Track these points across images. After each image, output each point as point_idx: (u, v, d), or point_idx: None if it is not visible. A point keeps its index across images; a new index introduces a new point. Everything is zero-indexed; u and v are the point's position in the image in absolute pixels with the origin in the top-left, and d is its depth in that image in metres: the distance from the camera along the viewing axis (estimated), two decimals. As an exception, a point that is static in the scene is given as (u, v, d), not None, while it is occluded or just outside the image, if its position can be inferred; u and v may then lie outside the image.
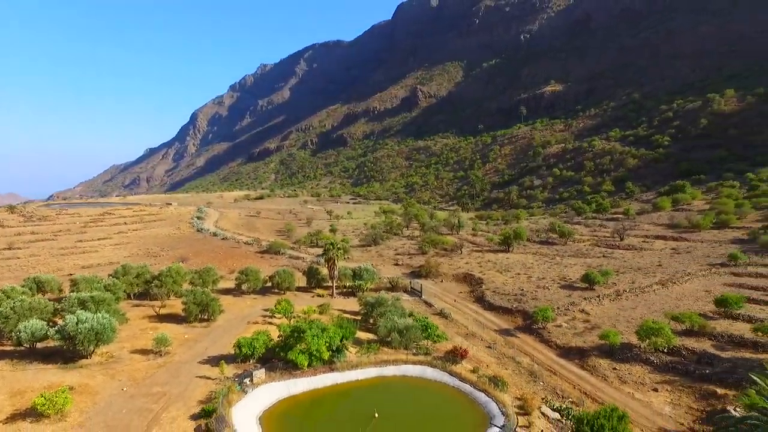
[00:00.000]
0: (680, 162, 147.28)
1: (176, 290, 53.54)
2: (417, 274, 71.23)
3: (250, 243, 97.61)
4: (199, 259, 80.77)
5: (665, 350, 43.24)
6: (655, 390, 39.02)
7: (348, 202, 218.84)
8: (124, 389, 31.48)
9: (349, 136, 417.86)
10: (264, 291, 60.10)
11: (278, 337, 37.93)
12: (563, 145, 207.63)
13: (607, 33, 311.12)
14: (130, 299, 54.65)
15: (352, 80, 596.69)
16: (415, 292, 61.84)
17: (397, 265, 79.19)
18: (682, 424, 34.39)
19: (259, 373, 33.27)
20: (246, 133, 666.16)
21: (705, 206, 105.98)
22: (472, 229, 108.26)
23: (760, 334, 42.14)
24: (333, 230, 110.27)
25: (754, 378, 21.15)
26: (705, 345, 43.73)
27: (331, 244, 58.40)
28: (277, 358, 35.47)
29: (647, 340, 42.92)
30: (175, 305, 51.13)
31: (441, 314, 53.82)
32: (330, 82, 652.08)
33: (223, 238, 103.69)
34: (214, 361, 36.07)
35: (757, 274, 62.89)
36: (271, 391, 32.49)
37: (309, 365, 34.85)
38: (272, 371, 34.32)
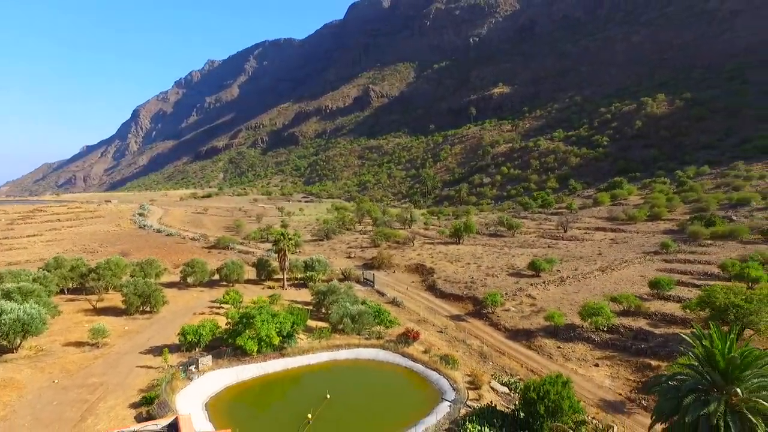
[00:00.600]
0: (618, 160, 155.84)
1: (115, 283, 50.55)
2: (370, 265, 71.13)
3: (197, 239, 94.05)
4: (142, 255, 76.81)
5: (605, 329, 45.60)
6: (596, 365, 41.06)
7: (300, 201, 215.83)
8: (56, 381, 29.33)
9: (300, 134, 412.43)
10: (211, 284, 57.97)
11: (226, 324, 36.67)
12: (511, 144, 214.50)
13: (550, 39, 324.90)
14: (64, 294, 51.11)
15: (304, 79, 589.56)
16: (367, 282, 61.69)
17: (349, 257, 78.78)
18: (621, 394, 36.34)
19: (206, 360, 31.99)
20: (193, 131, 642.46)
21: (640, 201, 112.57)
22: (424, 224, 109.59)
23: (688, 311, 45.03)
24: (284, 226, 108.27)
25: (684, 336, 22.54)
26: (640, 323, 46.44)
27: (282, 234, 57.22)
28: (226, 345, 34.25)
29: (589, 320, 45.01)
30: (115, 299, 48.31)
31: (393, 302, 54.00)
32: (281, 81, 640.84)
33: (167, 234, 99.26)
34: (157, 351, 34.33)
35: (685, 260, 67.22)
36: (218, 378, 31.32)
37: (259, 351, 33.91)
38: (220, 358, 33.10)
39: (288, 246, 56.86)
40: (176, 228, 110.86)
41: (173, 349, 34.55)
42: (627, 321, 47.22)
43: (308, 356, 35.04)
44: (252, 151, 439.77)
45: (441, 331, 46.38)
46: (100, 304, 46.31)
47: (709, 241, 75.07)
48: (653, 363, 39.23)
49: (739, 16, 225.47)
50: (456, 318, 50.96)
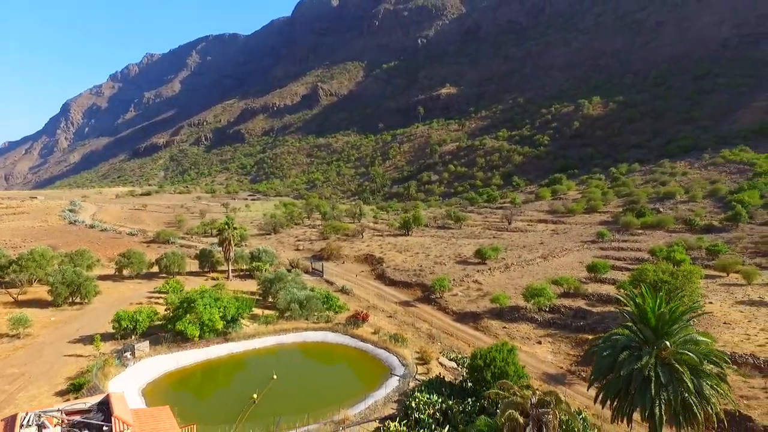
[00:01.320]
0: (558, 159, 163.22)
1: (41, 276, 46.67)
2: (318, 257, 70.15)
3: (134, 234, 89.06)
4: (72, 249, 71.68)
5: (547, 309, 47.50)
6: (539, 342, 42.66)
7: (246, 199, 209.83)
8: (-32, 374, 26.60)
9: (246, 132, 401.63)
10: (150, 276, 54.93)
11: (165, 310, 34.79)
12: (458, 143, 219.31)
13: (495, 42, 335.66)
14: (-20, 288, 46.64)
15: (249, 75, 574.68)
16: (316, 272, 60.78)
17: (298, 250, 77.40)
18: (562, 367, 37.95)
19: (143, 346, 30.15)
20: (130, 128, 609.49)
21: (578, 195, 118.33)
22: (374, 217, 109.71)
23: (622, 290, 47.64)
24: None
25: (619, 297, 23.70)
26: (579, 303, 48.76)
27: (227, 224, 55.25)
28: (165, 331, 32.46)
29: (532, 301, 46.68)
30: (40, 292, 44.66)
31: (342, 290, 53.47)
32: (225, 77, 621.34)
33: (102, 230, 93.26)
34: (88, 340, 31.98)
35: (619, 247, 71.35)
36: (157, 364, 29.61)
37: (201, 337, 32.41)
38: (159, 345, 31.32)
39: (233, 235, 54.97)
40: (112, 224, 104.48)
41: (106, 337, 32.36)
42: (567, 302, 49.45)
43: (254, 341, 33.92)
44: (195, 149, 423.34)
45: (390, 316, 46.43)
46: (22, 297, 42.65)
47: (639, 231, 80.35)
48: (591, 338, 41.17)
49: (664, 27, 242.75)
50: (405, 304, 51.23)
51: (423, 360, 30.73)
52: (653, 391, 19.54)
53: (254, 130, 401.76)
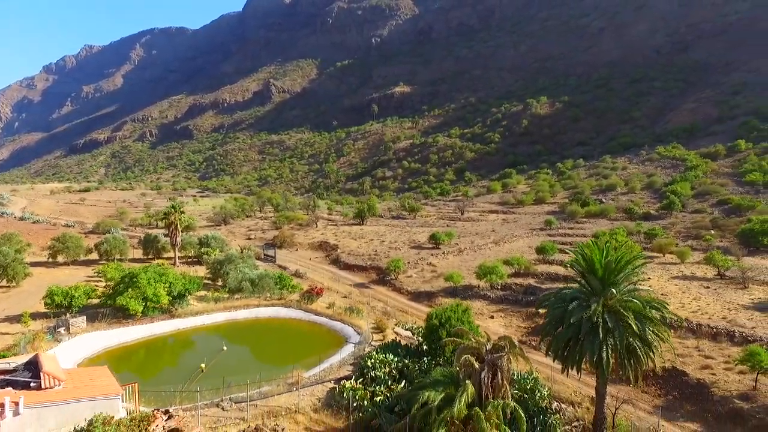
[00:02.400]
0: (508, 155, 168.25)
1: (-39, 261, 42.57)
2: (271, 244, 68.44)
3: (71, 225, 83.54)
4: None
5: (499, 287, 48.62)
6: (492, 317, 43.59)
7: (195, 195, 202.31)
8: None
9: (195, 128, 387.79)
10: (88, 263, 51.52)
11: (105, 287, 32.66)
12: (411, 141, 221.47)
13: (447, 44, 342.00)
14: None
15: (198, 70, 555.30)
16: (268, 258, 59.25)
17: (249, 239, 75.27)
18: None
19: (78, 322, 28.10)
20: (67, 123, 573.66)
21: (527, 189, 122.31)
22: (328, 208, 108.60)
23: (568, 267, 49.47)
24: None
25: (568, 252, 24.42)
26: (529, 281, 50.23)
27: (173, 207, 52.80)
28: (104, 307, 30.42)
29: (485, 279, 47.61)
30: (-40, 277, 40.77)
31: (296, 274, 52.32)
32: (172, 72, 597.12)
33: (34, 222, 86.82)
34: (15, 319, 29.46)
35: (565, 233, 74.21)
36: (95, 340, 27.68)
37: (144, 313, 30.62)
38: (97, 322, 29.31)
39: (179, 220, 52.60)
40: (45, 216, 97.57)
41: (37, 316, 29.94)
42: (518, 280, 50.84)
43: (202, 317, 32.46)
44: (139, 145, 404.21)
45: (345, 297, 45.83)
46: (-61, 282, 38.81)
47: (584, 219, 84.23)
48: (540, 311, 42.54)
49: (604, 33, 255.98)
50: (360, 285, 50.85)
51: (379, 329, 30.49)
52: (601, 336, 20.22)
53: (203, 127, 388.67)
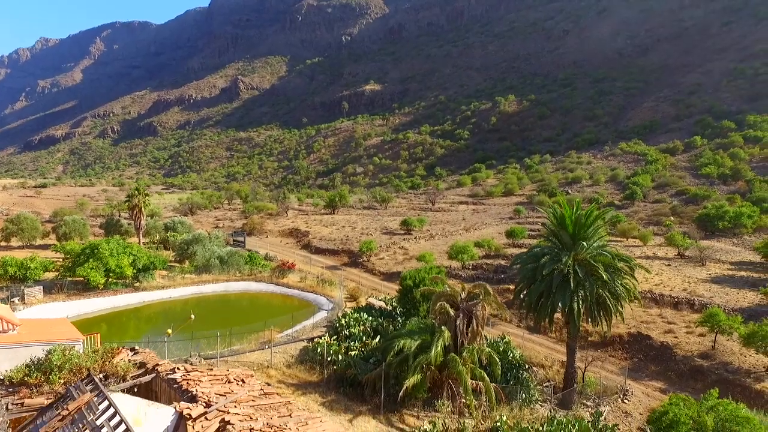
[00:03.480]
0: (477, 151, 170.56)
1: None
2: (240, 232, 66.95)
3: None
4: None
5: (470, 266, 49.19)
6: (464, 295, 44.15)
7: (159, 192, 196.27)
8: None
9: (159, 124, 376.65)
10: (45, 247, 49.05)
11: (64, 260, 31.12)
12: (382, 137, 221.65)
13: (417, 43, 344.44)
14: None
15: (162, 66, 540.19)
16: (237, 244, 57.86)
17: (217, 227, 73.42)
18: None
19: (35, 292, 26.66)
20: (21, 118, 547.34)
21: (496, 182, 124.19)
22: (298, 199, 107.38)
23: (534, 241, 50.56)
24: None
25: (540, 210, 24.80)
26: (499, 261, 50.97)
27: (137, 189, 50.97)
28: (64, 279, 28.96)
29: (456, 258, 48.04)
30: None
31: (267, 258, 51.31)
32: (135, 67, 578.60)
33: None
34: (-35, 292, 27.66)
35: (533, 221, 75.67)
36: (51, 311, 26.24)
37: (107, 286, 29.32)
38: (56, 293, 27.87)
39: (143, 203, 50.80)
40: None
41: (-12, 289, 28.19)
42: (489, 261, 51.59)
43: (169, 291, 31.36)
44: (100, 142, 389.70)
45: (318, 277, 45.37)
46: None
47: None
48: (511, 287, 43.26)
49: (569, 35, 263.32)
50: (332, 268, 50.39)
51: (353, 298, 30.23)
52: (572, 286, 20.60)
53: (168, 123, 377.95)
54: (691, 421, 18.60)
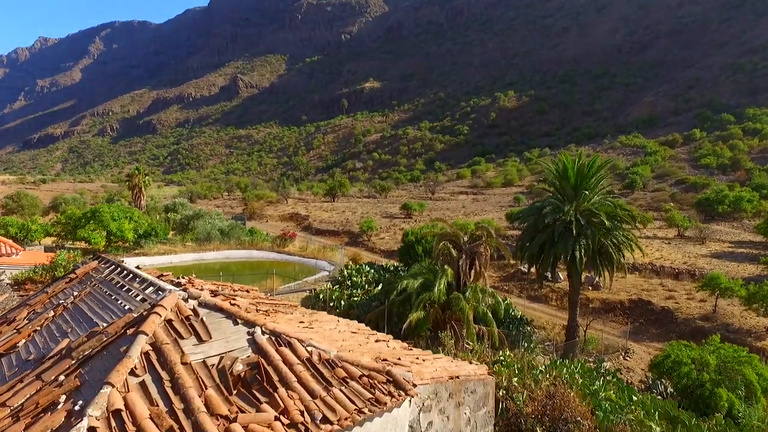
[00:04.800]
0: (476, 146, 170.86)
1: None
2: (240, 216, 67.01)
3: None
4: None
5: (471, 245, 49.50)
6: (465, 270, 44.30)
7: (159, 186, 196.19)
8: None
9: (159, 123, 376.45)
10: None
11: (65, 222, 31.07)
12: (381, 134, 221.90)
13: (417, 41, 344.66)
14: None
15: (162, 65, 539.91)
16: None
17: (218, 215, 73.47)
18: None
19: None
20: (20, 118, 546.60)
21: (495, 175, 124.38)
22: (298, 189, 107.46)
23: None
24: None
25: (541, 163, 24.86)
26: (500, 240, 51.17)
27: (137, 169, 50.97)
28: (65, 241, 28.95)
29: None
30: None
31: (266, 237, 51.39)
32: (134, 66, 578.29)
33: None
34: (-34, 253, 27.61)
35: (534, 208, 75.65)
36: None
37: (108, 249, 29.28)
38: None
39: (144, 182, 50.81)
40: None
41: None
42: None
43: (170, 256, 31.31)
44: (99, 140, 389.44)
45: (320, 245, 45.49)
46: None
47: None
48: (511, 263, 43.47)
49: (568, 32, 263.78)
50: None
51: (354, 261, 30.23)
52: (575, 234, 20.62)
53: (167, 121, 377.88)
54: (693, 363, 18.63)
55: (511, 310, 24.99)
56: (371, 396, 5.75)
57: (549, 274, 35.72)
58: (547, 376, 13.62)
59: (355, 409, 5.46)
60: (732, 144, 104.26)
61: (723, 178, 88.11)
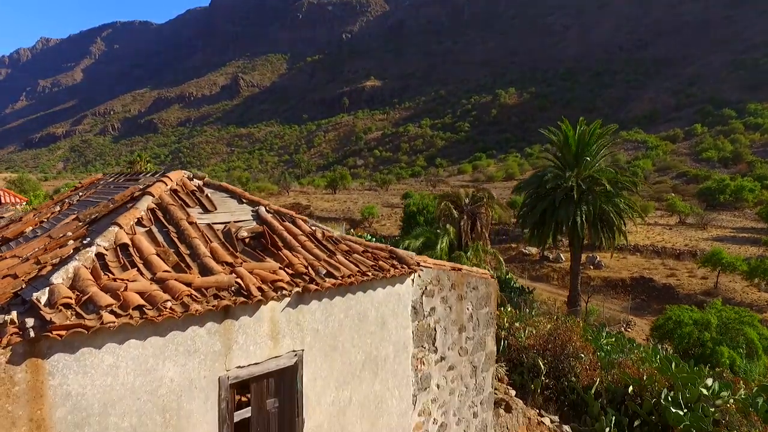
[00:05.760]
0: (477, 142, 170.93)
1: None
2: (242, 206, 67.19)
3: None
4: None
5: (472, 231, 49.71)
6: (466, 254, 44.52)
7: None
8: None
9: (160, 122, 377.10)
10: (47, 212, 49.26)
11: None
12: (382, 131, 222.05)
13: (418, 40, 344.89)
14: None
15: (163, 65, 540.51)
16: (239, 213, 57.99)
17: (219, 204, 73.66)
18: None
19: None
20: (22, 117, 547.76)
21: (497, 169, 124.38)
22: (299, 183, 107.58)
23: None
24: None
25: (542, 131, 24.93)
26: (501, 226, 51.22)
27: (138, 155, 51.05)
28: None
29: (458, 222, 48.38)
30: None
31: (268, 224, 51.53)
32: (135, 66, 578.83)
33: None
34: None
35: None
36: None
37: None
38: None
39: (145, 169, 50.78)
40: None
41: None
42: (492, 225, 52.07)
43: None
44: (101, 139, 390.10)
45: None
46: None
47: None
48: (513, 245, 43.57)
49: (569, 30, 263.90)
50: (334, 233, 50.65)
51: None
52: (576, 198, 20.65)
53: (169, 120, 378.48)
54: (694, 324, 18.65)
55: (513, 283, 24.98)
56: (374, 263, 5.81)
57: (550, 255, 35.79)
58: (549, 324, 13.71)
59: (358, 271, 5.52)
60: (733, 138, 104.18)
61: (724, 171, 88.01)
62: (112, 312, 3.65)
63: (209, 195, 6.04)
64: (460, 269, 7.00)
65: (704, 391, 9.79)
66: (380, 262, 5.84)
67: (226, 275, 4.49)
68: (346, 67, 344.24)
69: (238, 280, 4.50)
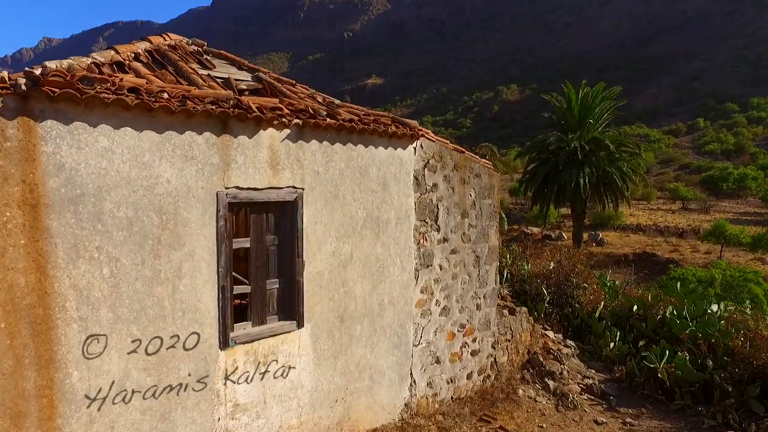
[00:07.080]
0: (479, 138, 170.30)
1: None
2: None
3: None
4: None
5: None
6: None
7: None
8: None
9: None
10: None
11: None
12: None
13: (419, 38, 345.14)
14: None
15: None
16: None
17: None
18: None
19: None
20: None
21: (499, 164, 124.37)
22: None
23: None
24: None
25: (544, 97, 24.83)
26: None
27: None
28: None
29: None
30: None
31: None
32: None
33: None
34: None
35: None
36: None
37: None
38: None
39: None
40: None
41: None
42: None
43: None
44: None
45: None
46: None
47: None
48: (515, 227, 43.58)
49: (571, 27, 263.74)
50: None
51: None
52: (580, 160, 20.54)
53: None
54: (698, 282, 18.50)
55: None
56: (375, 119, 5.73)
57: (552, 234, 35.64)
58: (552, 262, 13.54)
59: (359, 119, 5.43)
60: (736, 131, 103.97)
61: (727, 163, 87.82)
62: (106, 89, 3.56)
63: (208, 58, 5.97)
64: (463, 151, 6.93)
65: (710, 310, 9.71)
66: (382, 119, 5.76)
67: (224, 90, 4.41)
68: (347, 66, 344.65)
69: (238, 97, 4.42)
